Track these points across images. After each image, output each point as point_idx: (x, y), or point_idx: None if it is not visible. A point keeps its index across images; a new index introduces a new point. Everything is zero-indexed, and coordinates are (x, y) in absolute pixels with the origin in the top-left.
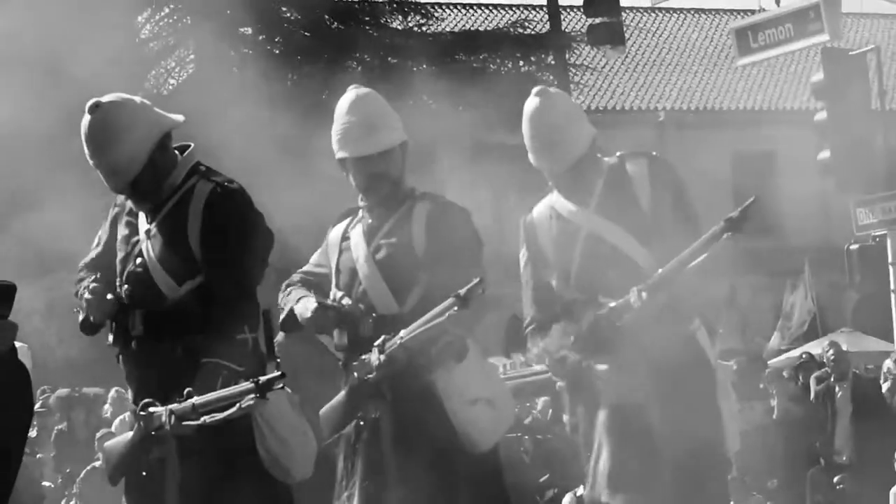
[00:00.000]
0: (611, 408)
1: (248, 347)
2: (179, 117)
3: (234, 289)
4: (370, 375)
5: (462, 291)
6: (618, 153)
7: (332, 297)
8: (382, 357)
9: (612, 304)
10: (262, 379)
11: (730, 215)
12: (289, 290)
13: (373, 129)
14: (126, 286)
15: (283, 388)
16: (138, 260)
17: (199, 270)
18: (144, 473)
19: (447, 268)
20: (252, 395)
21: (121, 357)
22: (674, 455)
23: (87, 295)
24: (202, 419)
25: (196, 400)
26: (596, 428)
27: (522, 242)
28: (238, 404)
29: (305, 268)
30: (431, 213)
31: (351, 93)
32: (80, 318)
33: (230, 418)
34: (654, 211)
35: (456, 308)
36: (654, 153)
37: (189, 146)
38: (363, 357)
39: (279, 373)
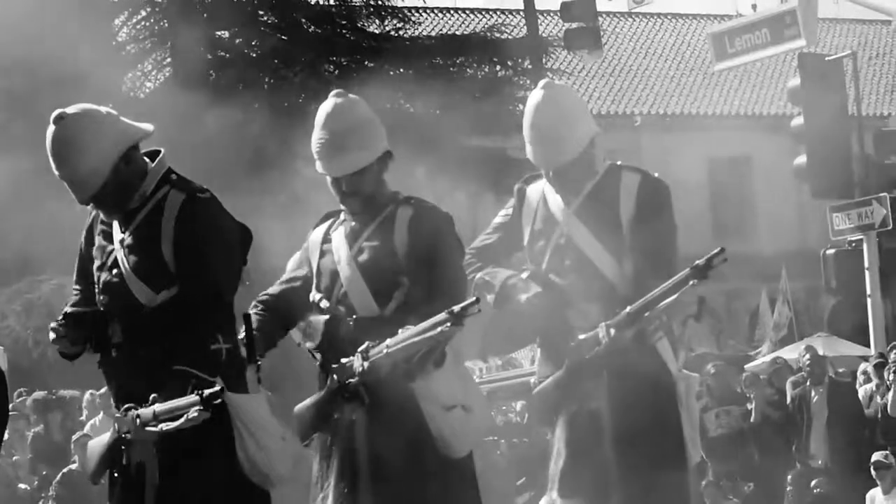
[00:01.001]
0: (569, 414)
1: (222, 357)
2: (148, 127)
3: (208, 299)
4: (351, 380)
5: (456, 309)
6: (618, 161)
7: (311, 298)
8: (366, 364)
9: (582, 337)
10: (206, 392)
11: (696, 263)
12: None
13: (343, 150)
14: (103, 296)
15: (259, 381)
16: (114, 270)
17: (176, 279)
18: (116, 475)
19: (428, 272)
20: (196, 408)
21: (101, 362)
22: (631, 464)
23: (51, 336)
24: (160, 427)
25: (157, 407)
26: (555, 433)
27: (510, 205)
28: (185, 416)
29: (284, 277)
30: (413, 217)
31: (329, 103)
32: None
33: (182, 428)
34: (632, 228)
35: (449, 325)
36: (656, 174)
37: (159, 152)
38: (344, 360)
39: (220, 387)
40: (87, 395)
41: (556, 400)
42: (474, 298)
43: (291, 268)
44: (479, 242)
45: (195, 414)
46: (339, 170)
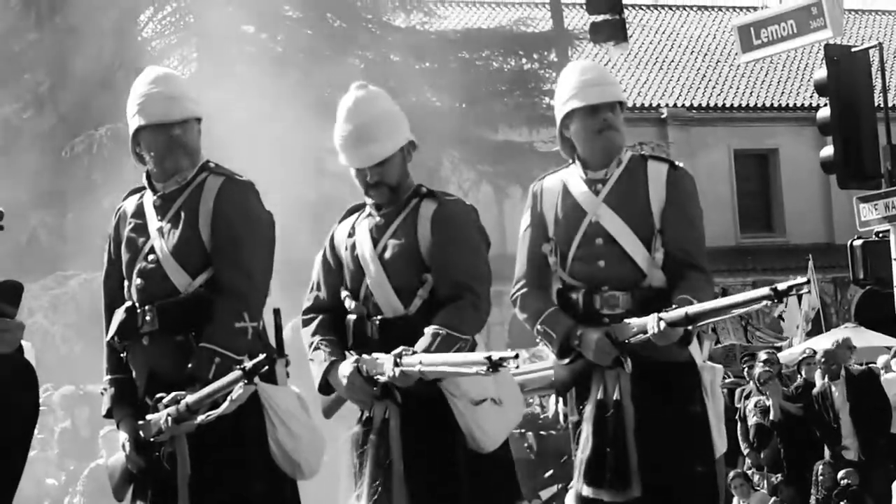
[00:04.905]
0: (596, 404)
1: (247, 336)
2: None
3: (240, 277)
4: (380, 376)
5: (494, 356)
6: (643, 151)
7: (342, 296)
8: (397, 371)
9: (628, 321)
10: (248, 365)
11: (776, 286)
12: (316, 342)
13: (368, 140)
14: (139, 280)
15: (287, 376)
16: (150, 256)
17: (211, 262)
18: (145, 470)
19: (450, 268)
20: (241, 383)
21: (128, 352)
22: (656, 455)
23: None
24: (199, 418)
25: (188, 400)
26: (582, 420)
27: (527, 209)
28: (229, 398)
29: (322, 294)
30: (437, 211)
31: (351, 95)
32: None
33: (225, 414)
34: (664, 217)
35: (484, 369)
36: (680, 163)
37: None
38: (375, 356)
39: (264, 356)
40: None
41: (579, 370)
42: (514, 353)
43: (317, 278)
44: (522, 257)
45: (240, 391)
46: (365, 160)
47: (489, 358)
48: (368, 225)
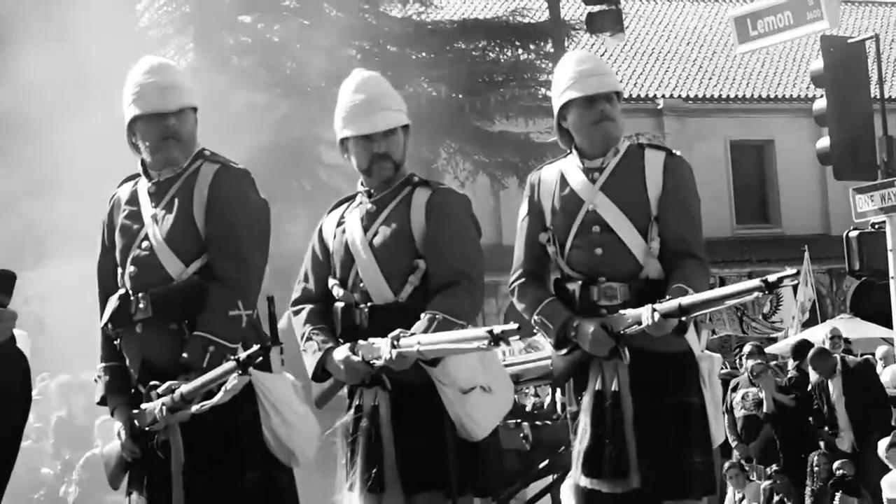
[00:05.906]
0: (594, 394)
1: (241, 324)
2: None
3: (235, 265)
4: (376, 361)
5: (497, 330)
6: (640, 141)
7: (329, 285)
8: (394, 353)
9: (623, 312)
10: (242, 355)
11: (766, 278)
12: (307, 332)
13: (378, 108)
14: (132, 268)
15: (282, 364)
16: (144, 244)
17: (205, 249)
18: (140, 459)
19: (445, 255)
20: (235, 374)
21: (121, 340)
22: (654, 445)
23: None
24: (193, 408)
25: (183, 389)
26: (580, 410)
27: (525, 199)
28: (223, 388)
29: (309, 285)
30: (431, 199)
31: (356, 74)
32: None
33: (219, 404)
34: (661, 207)
35: (486, 343)
36: (677, 152)
37: None
38: (371, 340)
39: (258, 346)
40: None
41: (577, 361)
42: (517, 326)
43: (306, 268)
44: (520, 248)
45: (234, 381)
46: (376, 125)
47: (491, 332)
48: (360, 213)
